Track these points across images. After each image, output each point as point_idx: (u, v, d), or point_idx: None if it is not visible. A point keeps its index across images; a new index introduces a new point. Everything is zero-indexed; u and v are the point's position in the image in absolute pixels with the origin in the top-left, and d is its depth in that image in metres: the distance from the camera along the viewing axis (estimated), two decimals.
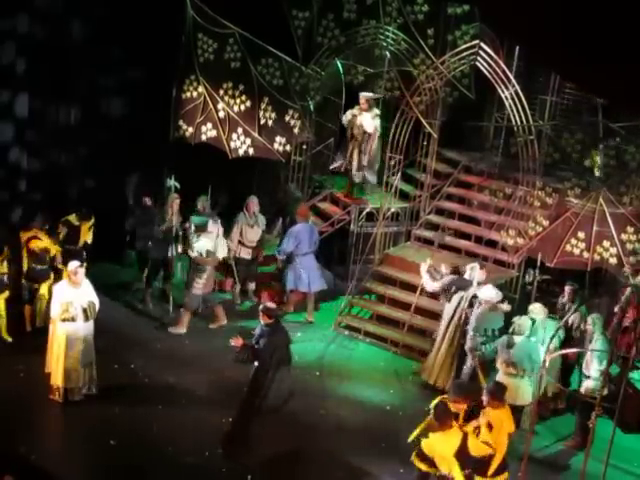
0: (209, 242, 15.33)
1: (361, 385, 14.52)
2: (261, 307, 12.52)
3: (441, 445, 10.75)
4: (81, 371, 12.91)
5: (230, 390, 13.53)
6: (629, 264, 15.05)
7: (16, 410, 12.58)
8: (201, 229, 15.44)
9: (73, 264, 12.98)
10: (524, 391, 12.91)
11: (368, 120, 17.38)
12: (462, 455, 10.70)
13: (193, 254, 15.38)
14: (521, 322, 13.32)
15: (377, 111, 17.63)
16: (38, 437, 12.24)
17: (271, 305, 12.74)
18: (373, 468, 12.32)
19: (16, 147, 16.72)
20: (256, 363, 12.16)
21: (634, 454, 13.21)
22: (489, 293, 13.78)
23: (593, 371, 12.98)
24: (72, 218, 15.40)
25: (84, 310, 12.74)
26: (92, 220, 15.63)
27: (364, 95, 17.55)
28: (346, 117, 17.55)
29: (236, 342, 12.36)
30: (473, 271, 14.46)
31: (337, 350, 15.67)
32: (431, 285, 14.73)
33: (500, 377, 12.95)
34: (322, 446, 12.68)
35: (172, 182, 15.96)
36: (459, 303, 14.27)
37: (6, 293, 14.31)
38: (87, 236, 15.62)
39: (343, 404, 13.90)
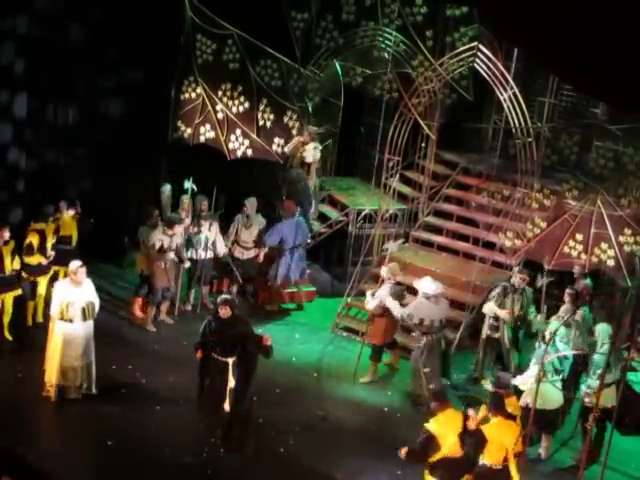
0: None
1: (359, 386, 14.52)
2: (219, 300, 12.58)
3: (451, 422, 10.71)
4: (78, 370, 12.89)
5: None
6: (579, 264, 15.10)
7: (14, 410, 12.55)
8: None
9: (74, 264, 12.96)
10: (553, 395, 12.79)
11: (310, 151, 17.55)
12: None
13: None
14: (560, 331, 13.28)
15: (318, 145, 17.74)
16: (36, 437, 12.22)
17: (230, 297, 13.02)
18: (370, 469, 12.31)
19: (15, 147, 16.69)
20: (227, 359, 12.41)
21: (632, 456, 13.20)
22: (427, 285, 14.02)
23: (593, 381, 12.87)
24: (59, 215, 15.38)
25: (83, 310, 12.73)
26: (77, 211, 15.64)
27: (311, 129, 17.56)
28: (288, 148, 17.51)
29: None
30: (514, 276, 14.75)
31: (335, 351, 15.68)
32: (371, 304, 14.60)
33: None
34: (320, 447, 12.68)
35: (190, 184, 15.93)
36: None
37: (18, 291, 14.36)
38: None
39: (341, 405, 13.90)
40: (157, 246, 15.19)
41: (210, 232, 16.10)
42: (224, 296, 12.91)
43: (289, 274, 16.98)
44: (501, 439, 10.65)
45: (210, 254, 16.27)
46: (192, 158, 17.11)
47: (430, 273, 16.33)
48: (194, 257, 16.14)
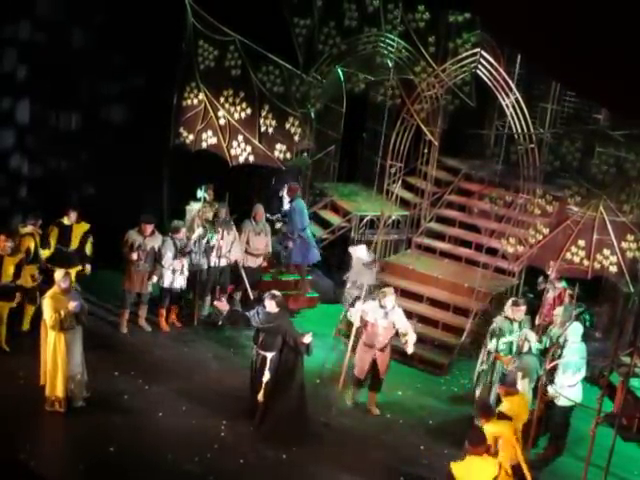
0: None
1: (361, 393, 14.48)
2: (268, 293, 13.13)
3: (478, 472, 10.38)
4: (79, 375, 12.87)
5: (230, 397, 13.59)
6: (553, 267, 15.11)
7: (16, 416, 12.53)
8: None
9: (60, 271, 12.92)
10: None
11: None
12: None
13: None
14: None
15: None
16: (37, 444, 12.19)
17: (278, 292, 13.32)
18: (373, 476, 12.30)
19: (17, 153, 16.71)
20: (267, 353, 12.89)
21: (634, 462, 13.18)
22: (361, 253, 15.44)
23: (567, 379, 12.84)
24: (64, 219, 15.40)
25: (77, 316, 12.68)
26: (87, 226, 15.63)
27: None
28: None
29: (222, 305, 13.56)
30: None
31: (337, 357, 15.65)
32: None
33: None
34: (322, 454, 12.67)
35: (203, 193, 15.86)
36: None
37: (14, 302, 14.39)
38: (80, 242, 15.57)
39: (343, 412, 13.87)
40: (128, 242, 15.20)
41: (223, 240, 16.08)
42: (273, 291, 13.31)
43: (306, 259, 17.32)
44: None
45: (224, 261, 16.26)
46: (194, 164, 17.14)
47: (432, 279, 16.40)
48: (210, 264, 16.19)
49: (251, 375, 13.20)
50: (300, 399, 13.04)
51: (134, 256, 15.17)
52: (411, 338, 13.78)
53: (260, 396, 12.88)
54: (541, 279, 15.74)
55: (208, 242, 16.00)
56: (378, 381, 14.02)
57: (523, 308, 13.79)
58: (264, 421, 12.87)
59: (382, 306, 13.78)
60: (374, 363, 13.89)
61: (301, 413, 13.06)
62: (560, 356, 12.93)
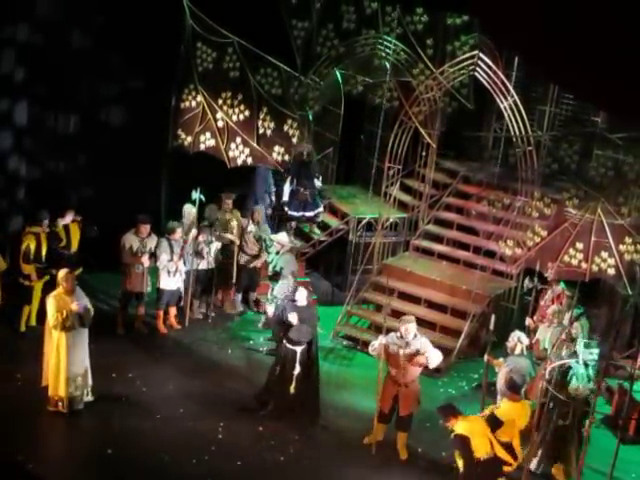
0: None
1: (359, 395, 14.48)
2: (298, 283, 13.73)
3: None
4: (80, 378, 12.86)
5: (228, 399, 13.61)
6: (551, 269, 15.09)
7: (13, 418, 12.52)
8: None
9: (63, 271, 12.93)
10: None
11: None
12: None
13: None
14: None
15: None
16: (35, 445, 12.18)
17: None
18: (371, 478, 12.28)
19: (15, 155, 16.70)
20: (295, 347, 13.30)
21: (631, 465, 13.15)
22: (283, 238, 15.86)
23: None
24: (59, 221, 15.40)
25: (80, 317, 12.67)
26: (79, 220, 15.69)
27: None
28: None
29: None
30: None
31: (335, 360, 15.66)
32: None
33: None
34: (320, 456, 12.66)
35: (198, 195, 15.89)
36: None
37: None
38: (79, 241, 15.62)
39: (341, 414, 13.86)
40: (127, 247, 15.22)
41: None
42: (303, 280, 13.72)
43: None
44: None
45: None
46: (192, 166, 17.14)
47: (430, 282, 16.39)
48: (205, 267, 16.17)
49: (278, 370, 13.37)
50: (317, 389, 13.59)
51: (147, 262, 15.24)
52: (432, 354, 12.94)
53: (292, 388, 13.20)
54: (527, 280, 15.68)
55: (207, 245, 16.02)
56: (401, 419, 12.93)
57: (596, 351, 13.01)
58: (294, 410, 13.31)
59: (402, 337, 12.89)
60: (397, 398, 12.91)
61: (317, 403, 13.59)
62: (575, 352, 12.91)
